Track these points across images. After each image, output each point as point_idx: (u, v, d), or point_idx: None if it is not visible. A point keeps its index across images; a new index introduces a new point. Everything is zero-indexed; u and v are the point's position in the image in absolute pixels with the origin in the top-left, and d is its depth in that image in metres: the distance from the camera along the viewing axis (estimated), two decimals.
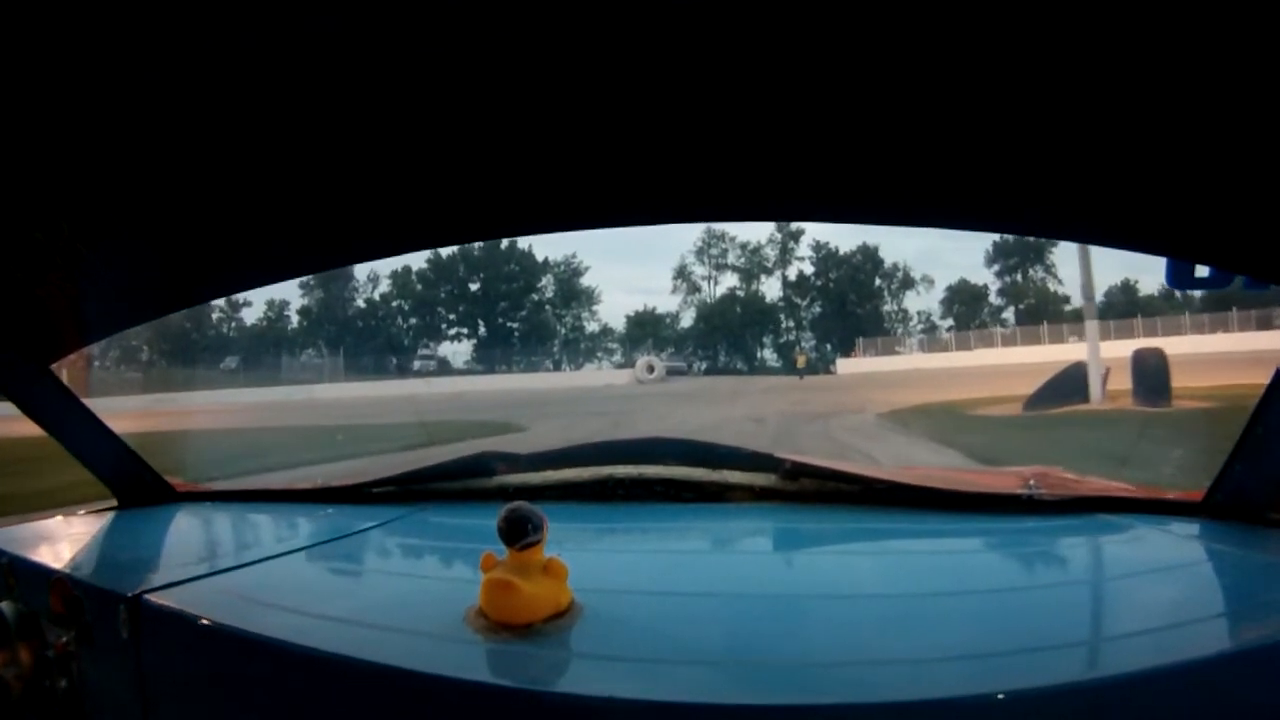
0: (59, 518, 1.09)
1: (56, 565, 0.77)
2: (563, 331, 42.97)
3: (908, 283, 43.50)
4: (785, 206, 0.69)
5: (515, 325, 41.72)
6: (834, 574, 0.77)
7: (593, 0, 0.39)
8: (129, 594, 0.66)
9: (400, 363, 32.50)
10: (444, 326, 41.09)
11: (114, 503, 1.14)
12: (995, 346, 29.93)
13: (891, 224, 0.67)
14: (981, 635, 0.54)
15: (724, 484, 1.01)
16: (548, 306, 42.96)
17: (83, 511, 1.11)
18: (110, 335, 0.97)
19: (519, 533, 0.57)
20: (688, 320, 45.35)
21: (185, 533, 1.04)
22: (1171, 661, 0.46)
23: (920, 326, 42.40)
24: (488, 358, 37.64)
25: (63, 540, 0.99)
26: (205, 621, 0.62)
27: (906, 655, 0.51)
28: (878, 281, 43.74)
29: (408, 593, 0.71)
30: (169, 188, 0.64)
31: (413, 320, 40.83)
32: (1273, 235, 0.55)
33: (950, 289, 42.98)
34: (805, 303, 45.06)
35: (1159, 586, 0.67)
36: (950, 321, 41.28)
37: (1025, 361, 20.03)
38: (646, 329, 43.49)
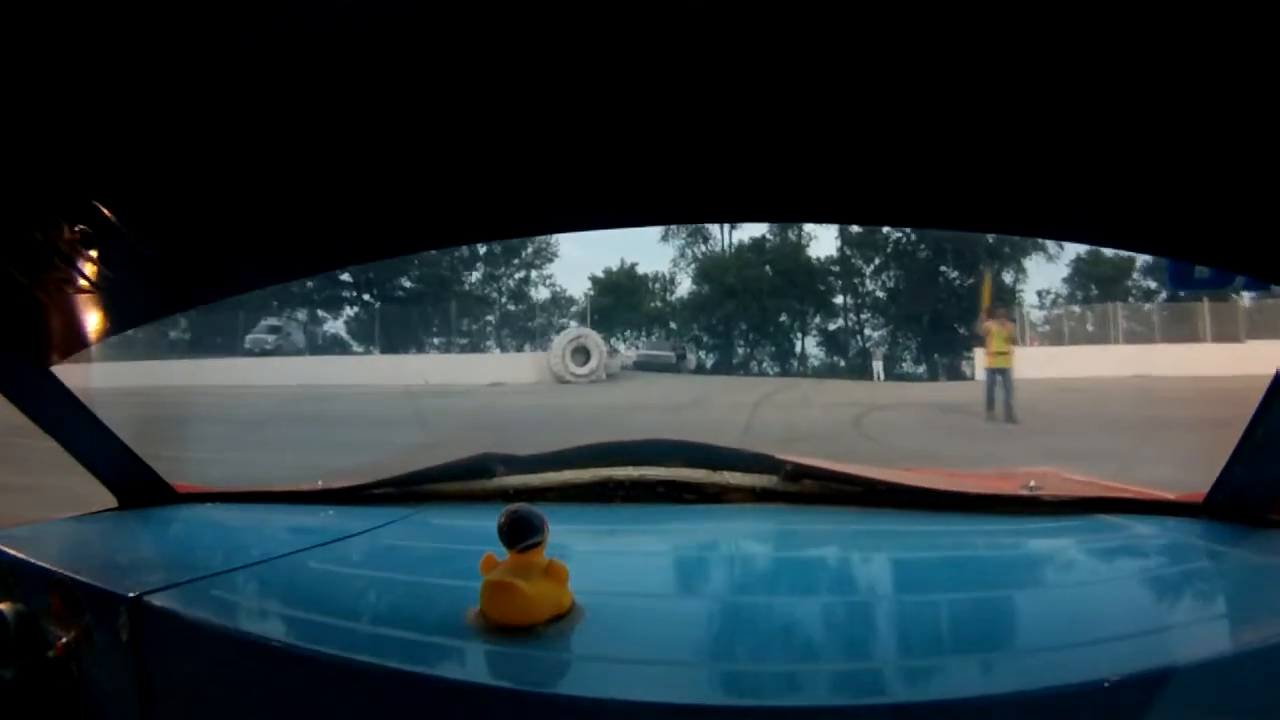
0: (59, 519, 1.09)
1: (57, 566, 0.77)
2: (501, 299, 26.93)
3: (1021, 247, 25.46)
4: (784, 207, 0.69)
5: (414, 287, 25.68)
6: (835, 575, 0.77)
7: (598, 3, 0.40)
8: (129, 595, 0.66)
9: (224, 340, 19.53)
10: (321, 287, 25.15)
11: (114, 504, 1.14)
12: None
13: (890, 224, 0.67)
14: (982, 636, 0.54)
15: (725, 485, 1.01)
16: (478, 265, 27.32)
17: (83, 513, 1.11)
18: (111, 335, 0.96)
19: (519, 534, 0.57)
20: (686, 285, 28.84)
21: (185, 534, 1.04)
22: (1172, 662, 0.46)
23: (1044, 313, 24.64)
24: (365, 334, 23.44)
25: (63, 541, 0.98)
26: (205, 622, 0.62)
27: (908, 656, 0.51)
28: (989, 238, 24.67)
29: (408, 594, 0.71)
30: (169, 188, 0.64)
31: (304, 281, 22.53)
32: (1272, 235, 0.55)
33: (1079, 260, 26.27)
34: (872, 267, 27.41)
35: (1159, 587, 0.67)
36: (1076, 308, 24.97)
37: None
38: (621, 296, 27.17)
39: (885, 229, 24.98)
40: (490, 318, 26.15)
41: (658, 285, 29.04)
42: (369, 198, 0.67)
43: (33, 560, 0.81)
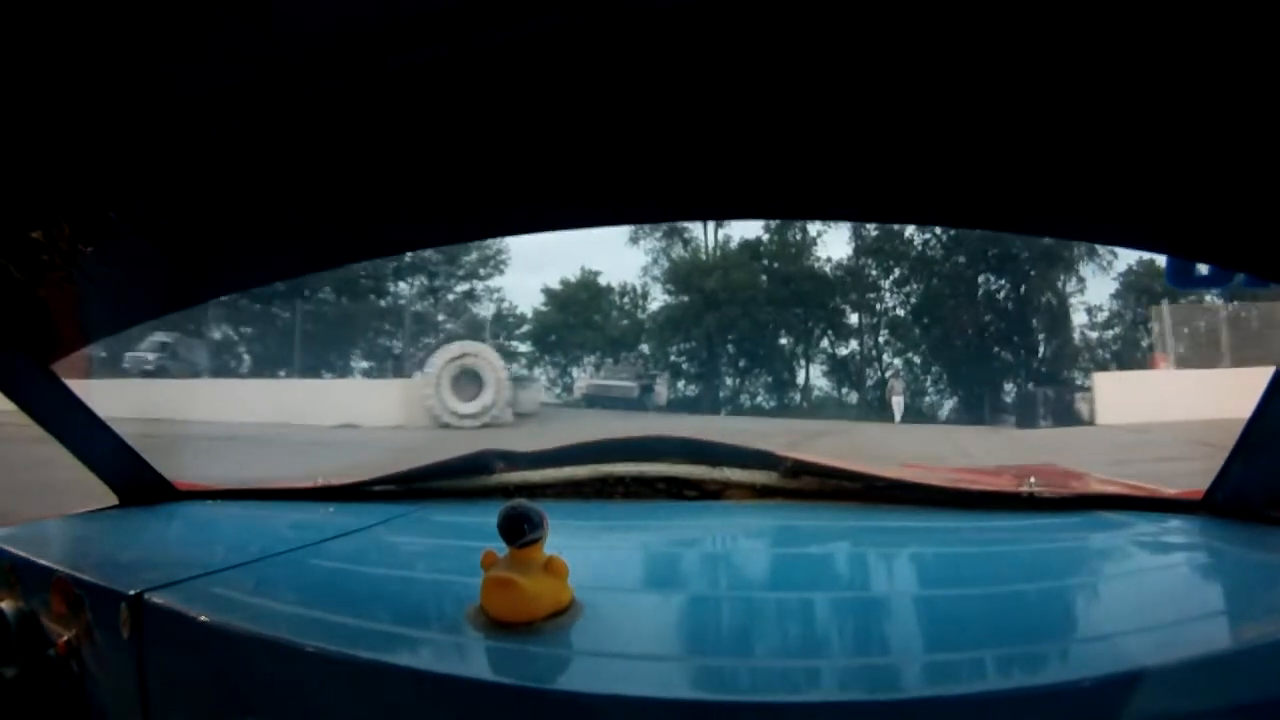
0: (60, 517, 1.09)
1: (58, 564, 0.77)
2: (441, 317, 20.89)
3: (1061, 254, 19.62)
4: (784, 203, 0.69)
5: (334, 299, 19.66)
6: (835, 572, 0.78)
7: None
8: (130, 593, 0.66)
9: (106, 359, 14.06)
10: (235, 299, 16.85)
11: (115, 501, 1.14)
12: None
13: (889, 221, 0.67)
14: (981, 632, 0.54)
15: (725, 481, 1.01)
16: (409, 276, 21.58)
17: (84, 510, 1.12)
18: (110, 335, 0.97)
19: (519, 530, 0.57)
20: (658, 297, 23.04)
21: (186, 531, 1.04)
22: (1171, 659, 0.46)
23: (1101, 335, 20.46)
24: (275, 353, 17.85)
25: (64, 539, 0.99)
26: (206, 620, 0.62)
27: (908, 653, 0.51)
28: (1046, 238, 16.29)
29: (408, 590, 0.71)
30: (169, 186, 0.64)
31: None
32: (1272, 234, 0.55)
33: (1130, 272, 20.26)
34: (890, 280, 21.91)
35: (1159, 584, 0.67)
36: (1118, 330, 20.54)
37: None
38: (579, 313, 22.22)
39: (908, 234, 21.16)
40: (430, 339, 19.54)
41: (626, 299, 23.47)
42: (368, 196, 0.67)
43: (34, 558, 0.81)
